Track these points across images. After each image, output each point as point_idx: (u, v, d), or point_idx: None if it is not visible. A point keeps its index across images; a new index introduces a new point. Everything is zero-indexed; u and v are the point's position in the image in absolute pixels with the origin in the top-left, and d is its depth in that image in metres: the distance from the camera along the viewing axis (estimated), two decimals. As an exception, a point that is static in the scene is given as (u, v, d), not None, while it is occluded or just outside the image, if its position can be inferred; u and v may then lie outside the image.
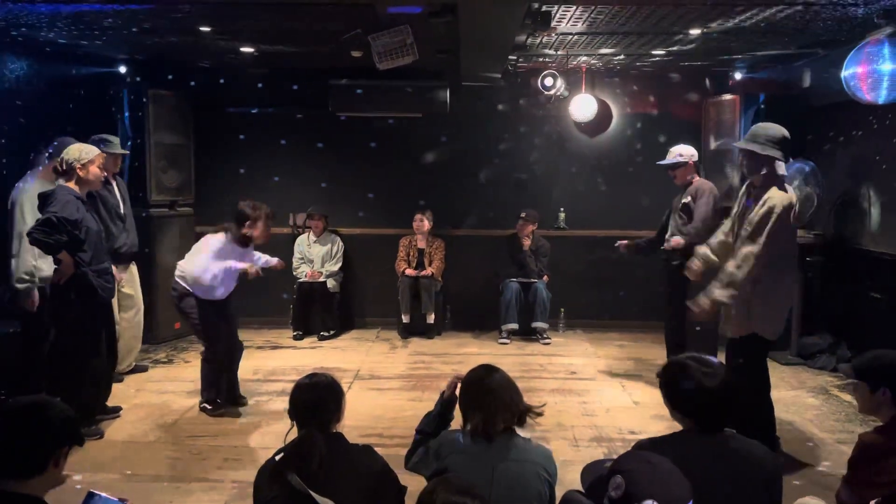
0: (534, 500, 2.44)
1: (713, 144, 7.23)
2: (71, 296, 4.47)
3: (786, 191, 4.07)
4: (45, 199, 4.40)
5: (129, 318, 5.96)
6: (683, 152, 5.71)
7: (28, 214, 4.78)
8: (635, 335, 7.51)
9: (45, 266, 4.76)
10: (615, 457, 2.20)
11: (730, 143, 6.74)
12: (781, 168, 4.16)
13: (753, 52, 6.38)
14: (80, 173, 4.48)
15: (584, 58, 6.85)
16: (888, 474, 2.53)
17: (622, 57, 6.72)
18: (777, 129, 4.15)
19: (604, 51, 6.38)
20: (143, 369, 6.18)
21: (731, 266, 4.08)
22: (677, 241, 5.54)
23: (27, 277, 4.77)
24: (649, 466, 1.76)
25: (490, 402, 2.54)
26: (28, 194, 4.86)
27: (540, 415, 2.66)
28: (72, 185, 4.47)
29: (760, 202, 4.03)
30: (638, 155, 7.66)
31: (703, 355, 2.45)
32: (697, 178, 5.72)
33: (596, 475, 1.94)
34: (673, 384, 2.41)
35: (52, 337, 4.74)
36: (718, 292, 4.08)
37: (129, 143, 6.58)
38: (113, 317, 4.96)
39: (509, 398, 2.58)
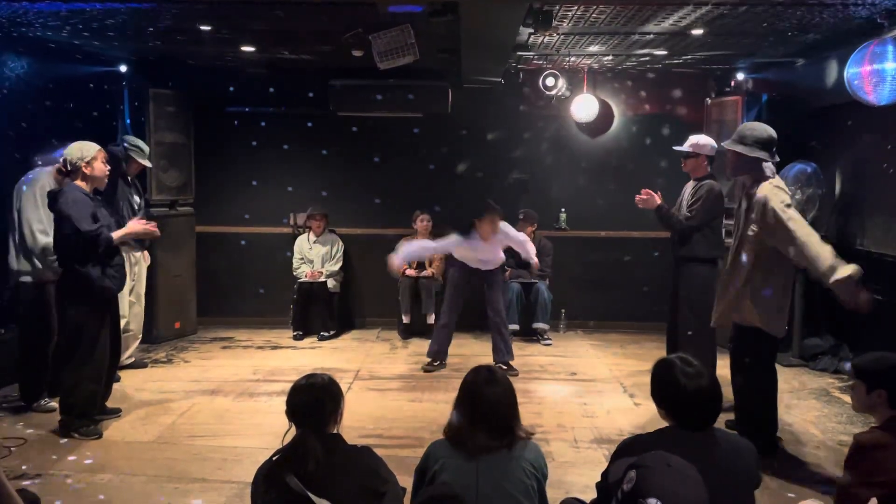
0: (521, 494, 2.42)
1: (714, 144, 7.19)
2: (82, 293, 4.47)
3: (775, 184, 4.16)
4: (54, 197, 4.45)
5: (136, 310, 6.05)
6: (698, 143, 5.22)
7: (41, 202, 4.91)
8: (636, 336, 7.49)
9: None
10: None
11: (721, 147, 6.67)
12: (769, 169, 4.25)
13: (756, 53, 6.36)
14: (86, 171, 4.53)
15: (586, 58, 6.83)
16: (885, 473, 2.55)
17: (624, 57, 6.71)
18: (764, 130, 4.25)
19: (605, 50, 6.36)
20: (143, 365, 6.21)
21: (817, 257, 4.02)
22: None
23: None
24: (666, 467, 1.75)
25: (480, 414, 2.50)
26: (40, 184, 4.99)
27: (530, 436, 2.60)
28: (79, 182, 4.52)
29: (761, 202, 4.07)
30: (639, 155, 7.63)
31: (689, 356, 2.48)
32: (710, 180, 5.19)
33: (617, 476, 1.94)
34: (657, 382, 2.47)
35: (57, 338, 4.74)
36: (839, 272, 3.94)
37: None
38: (119, 313, 4.95)
39: (503, 414, 2.52)
